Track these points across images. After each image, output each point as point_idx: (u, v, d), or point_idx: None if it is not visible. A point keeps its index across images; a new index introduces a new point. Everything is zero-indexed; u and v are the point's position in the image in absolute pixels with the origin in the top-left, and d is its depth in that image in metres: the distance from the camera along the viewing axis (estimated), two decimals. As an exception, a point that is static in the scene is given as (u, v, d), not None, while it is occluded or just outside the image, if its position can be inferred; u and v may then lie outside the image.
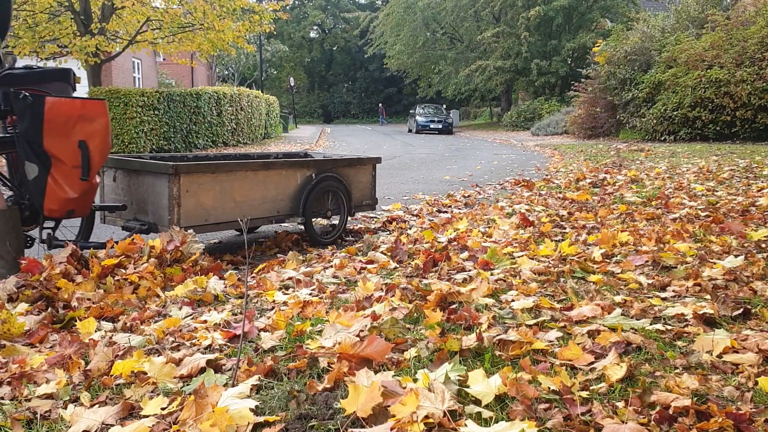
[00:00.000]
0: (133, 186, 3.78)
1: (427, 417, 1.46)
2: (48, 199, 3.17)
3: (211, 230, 3.80)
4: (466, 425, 1.44)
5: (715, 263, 2.93)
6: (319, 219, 4.59)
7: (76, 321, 2.41)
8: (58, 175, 3.16)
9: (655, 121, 15.89)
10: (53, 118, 3.09)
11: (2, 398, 1.74)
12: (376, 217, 5.45)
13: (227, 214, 3.81)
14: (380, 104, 47.74)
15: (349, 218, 4.61)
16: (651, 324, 2.18)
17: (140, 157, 4.11)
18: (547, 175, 8.60)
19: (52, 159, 3.13)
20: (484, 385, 1.64)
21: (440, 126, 29.61)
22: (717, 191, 5.78)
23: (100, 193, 3.95)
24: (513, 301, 2.48)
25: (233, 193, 3.83)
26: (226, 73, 38.35)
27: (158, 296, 2.81)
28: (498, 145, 19.17)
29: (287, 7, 22.20)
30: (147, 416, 1.58)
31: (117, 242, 3.23)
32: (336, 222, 4.58)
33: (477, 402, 1.58)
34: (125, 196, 3.84)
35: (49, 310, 2.55)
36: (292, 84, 39.98)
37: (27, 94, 3.05)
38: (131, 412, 1.63)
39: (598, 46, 19.93)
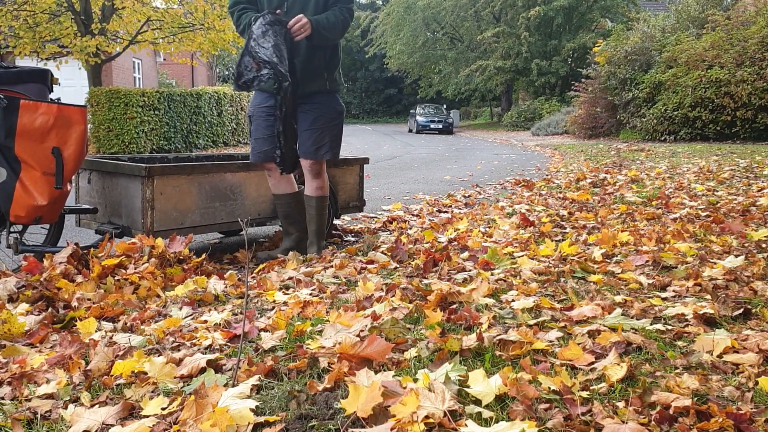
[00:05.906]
0: (108, 188, 3.66)
1: (427, 417, 1.45)
2: (15, 205, 3.04)
3: (188, 233, 3.69)
4: (466, 425, 1.44)
5: (715, 263, 2.93)
6: None
7: (76, 321, 2.41)
8: (27, 181, 3.03)
9: (655, 121, 15.89)
10: (27, 122, 2.96)
11: (2, 398, 1.74)
12: (376, 217, 5.44)
13: (205, 217, 3.72)
14: None
15: (335, 220, 4.55)
16: (651, 324, 2.18)
17: (116, 159, 3.97)
18: (547, 175, 8.59)
19: (23, 164, 3.01)
20: (484, 385, 1.64)
21: (440, 126, 29.60)
22: (717, 191, 5.78)
23: (75, 195, 3.84)
24: (513, 301, 2.47)
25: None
26: (227, 73, 38.34)
27: (159, 296, 2.81)
28: (498, 145, 19.16)
29: (287, 7, 22.12)
30: (147, 416, 1.58)
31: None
32: None
33: (477, 402, 1.58)
34: (100, 198, 3.72)
35: (50, 310, 2.55)
36: (293, 84, 39.89)
37: (1, 95, 2.92)
38: (131, 412, 1.63)
39: (598, 46, 19.93)
